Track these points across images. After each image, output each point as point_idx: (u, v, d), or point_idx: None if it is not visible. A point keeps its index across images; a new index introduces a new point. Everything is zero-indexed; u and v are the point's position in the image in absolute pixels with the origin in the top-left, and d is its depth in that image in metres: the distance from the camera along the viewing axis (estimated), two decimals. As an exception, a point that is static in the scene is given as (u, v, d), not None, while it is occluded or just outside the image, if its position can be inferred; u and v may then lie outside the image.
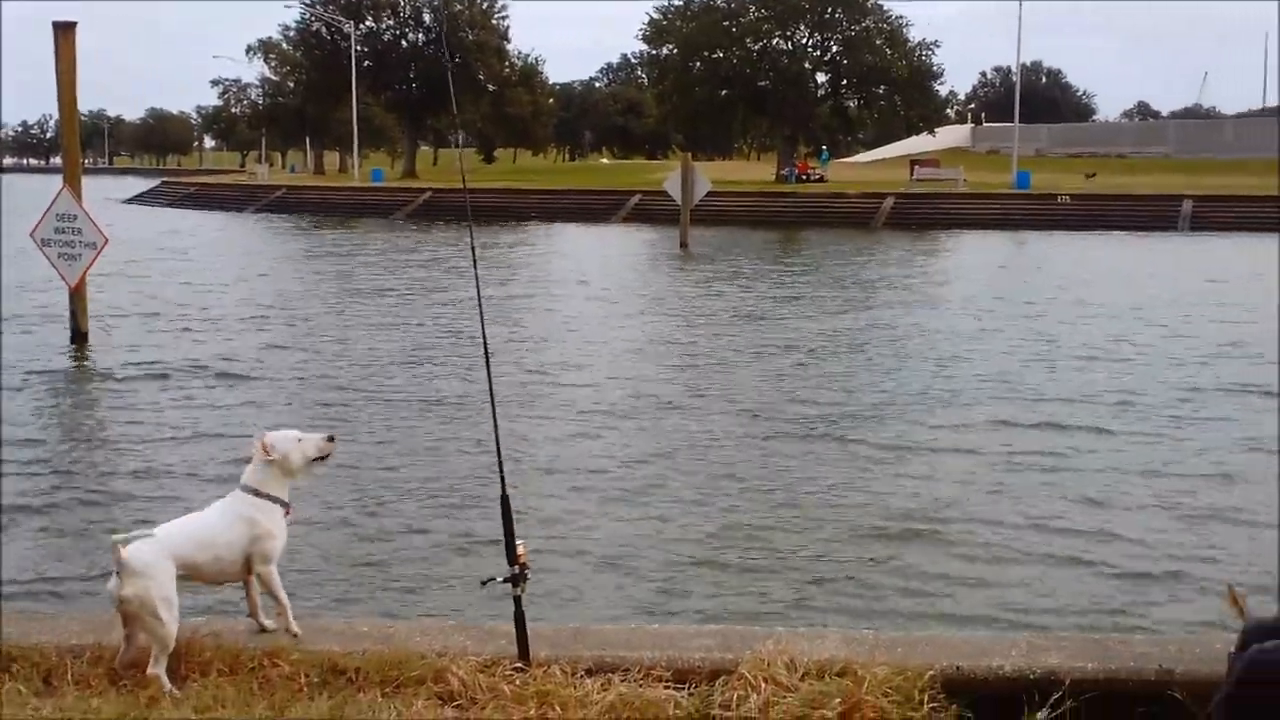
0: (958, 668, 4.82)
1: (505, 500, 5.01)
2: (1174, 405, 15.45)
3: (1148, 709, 4.66)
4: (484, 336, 5.42)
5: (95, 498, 11.04)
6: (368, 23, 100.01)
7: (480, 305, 5.48)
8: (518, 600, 4.87)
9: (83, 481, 11.60)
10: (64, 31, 19.65)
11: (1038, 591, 8.74)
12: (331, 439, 5.27)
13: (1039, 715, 4.49)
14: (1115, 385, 16.81)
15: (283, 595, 5.13)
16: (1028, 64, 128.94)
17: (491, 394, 5.16)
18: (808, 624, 7.47)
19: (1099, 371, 18.01)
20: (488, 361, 5.29)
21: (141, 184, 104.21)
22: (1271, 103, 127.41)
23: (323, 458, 5.24)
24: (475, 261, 5.50)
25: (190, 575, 4.99)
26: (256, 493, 5.12)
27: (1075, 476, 11.84)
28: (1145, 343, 20.78)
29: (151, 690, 4.56)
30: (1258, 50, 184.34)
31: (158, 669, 4.65)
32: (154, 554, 4.77)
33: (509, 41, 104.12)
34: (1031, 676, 4.77)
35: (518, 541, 4.94)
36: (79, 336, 19.72)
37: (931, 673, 4.68)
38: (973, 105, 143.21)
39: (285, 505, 5.17)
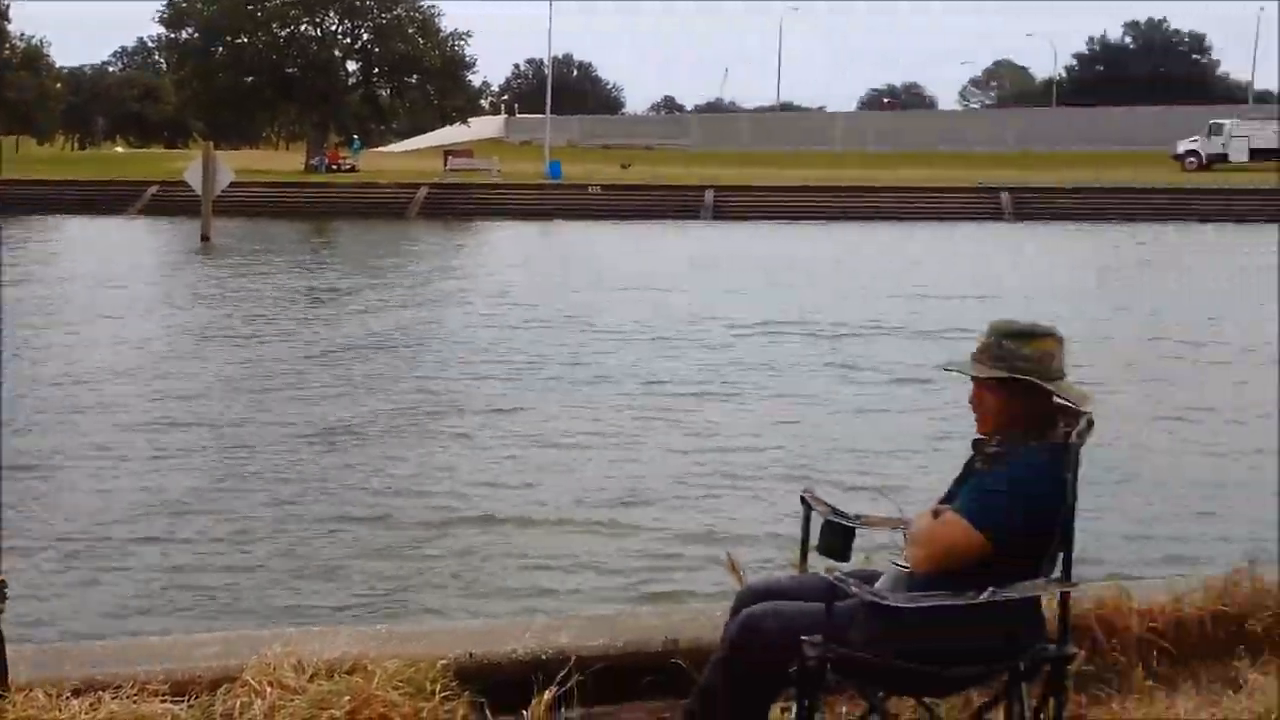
0: (471, 654, 4.80)
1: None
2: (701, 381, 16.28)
3: (654, 678, 4.77)
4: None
5: None
6: None
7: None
8: (-7, 621, 4.45)
9: None
10: None
11: (560, 578, 8.91)
12: None
13: (547, 694, 4.51)
14: (646, 366, 17.57)
15: None
16: (559, 57, 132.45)
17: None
18: (320, 624, 7.29)
19: (630, 354, 18.78)
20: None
21: None
22: (784, 99, 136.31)
23: None
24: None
25: None
26: None
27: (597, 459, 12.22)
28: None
29: None
30: (774, 50, 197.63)
31: None
32: None
33: (9, 21, 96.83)
34: (544, 657, 4.81)
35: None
36: None
37: (444, 662, 4.62)
38: (506, 96, 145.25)
39: None
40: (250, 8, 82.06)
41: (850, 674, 3.75)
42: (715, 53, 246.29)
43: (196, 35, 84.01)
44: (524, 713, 4.51)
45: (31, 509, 10.44)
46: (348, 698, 4.36)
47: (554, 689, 4.55)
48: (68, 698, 4.34)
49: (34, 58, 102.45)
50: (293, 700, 4.35)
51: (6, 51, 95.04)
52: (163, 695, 4.43)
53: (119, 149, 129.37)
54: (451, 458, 12.47)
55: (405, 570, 8.96)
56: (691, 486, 11.38)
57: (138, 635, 6.72)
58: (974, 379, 3.93)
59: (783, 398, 15.63)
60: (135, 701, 4.37)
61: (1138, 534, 10.11)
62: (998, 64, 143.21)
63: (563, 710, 4.59)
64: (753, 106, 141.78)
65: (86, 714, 4.25)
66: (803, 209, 54.92)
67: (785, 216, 53.28)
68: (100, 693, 4.39)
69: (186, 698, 4.46)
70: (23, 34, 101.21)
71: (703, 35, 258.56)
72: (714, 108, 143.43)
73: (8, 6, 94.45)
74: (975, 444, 4.00)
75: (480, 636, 5.03)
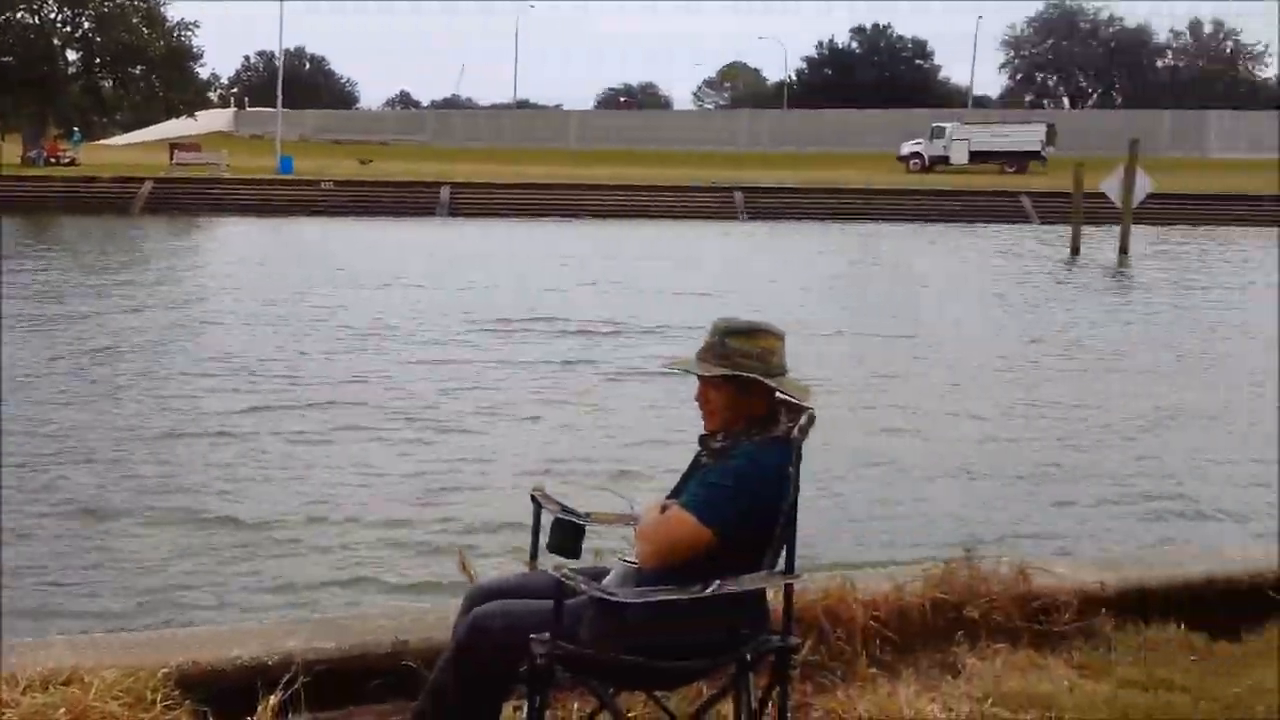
0: (194, 662, 4.70)
1: None
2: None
3: (384, 680, 4.74)
4: None
5: None
6: None
7: None
8: None
9: None
10: None
11: (282, 579, 8.76)
12: None
13: (272, 700, 4.44)
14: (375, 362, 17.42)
15: None
16: (291, 50, 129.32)
17: None
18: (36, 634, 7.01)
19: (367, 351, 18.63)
20: None
21: None
22: (521, 96, 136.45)
23: None
24: None
25: None
26: None
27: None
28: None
29: None
30: (510, 49, 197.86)
31: None
32: None
33: None
34: (270, 663, 4.72)
35: None
36: None
37: (165, 670, 4.52)
38: (235, 89, 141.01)
39: None
40: (-39, -7, 77.64)
41: (580, 671, 3.79)
42: (452, 49, 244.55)
43: (-98, 17, 79.03)
44: (249, 719, 4.43)
45: None
46: (63, 710, 4.22)
47: (279, 694, 4.48)
48: None
49: None
50: (4, 714, 4.20)
51: None
52: None
53: None
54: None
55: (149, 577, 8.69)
56: (427, 481, 11.37)
57: None
58: (699, 377, 4.01)
59: (517, 393, 15.73)
60: None
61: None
62: (731, 65, 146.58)
63: (289, 716, 4.52)
64: (490, 103, 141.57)
65: None
66: (540, 207, 55.18)
67: (522, 214, 53.45)
68: None
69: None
70: None
71: (439, 31, 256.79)
72: (451, 104, 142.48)
73: None
74: (701, 439, 4.08)
75: (204, 642, 4.91)
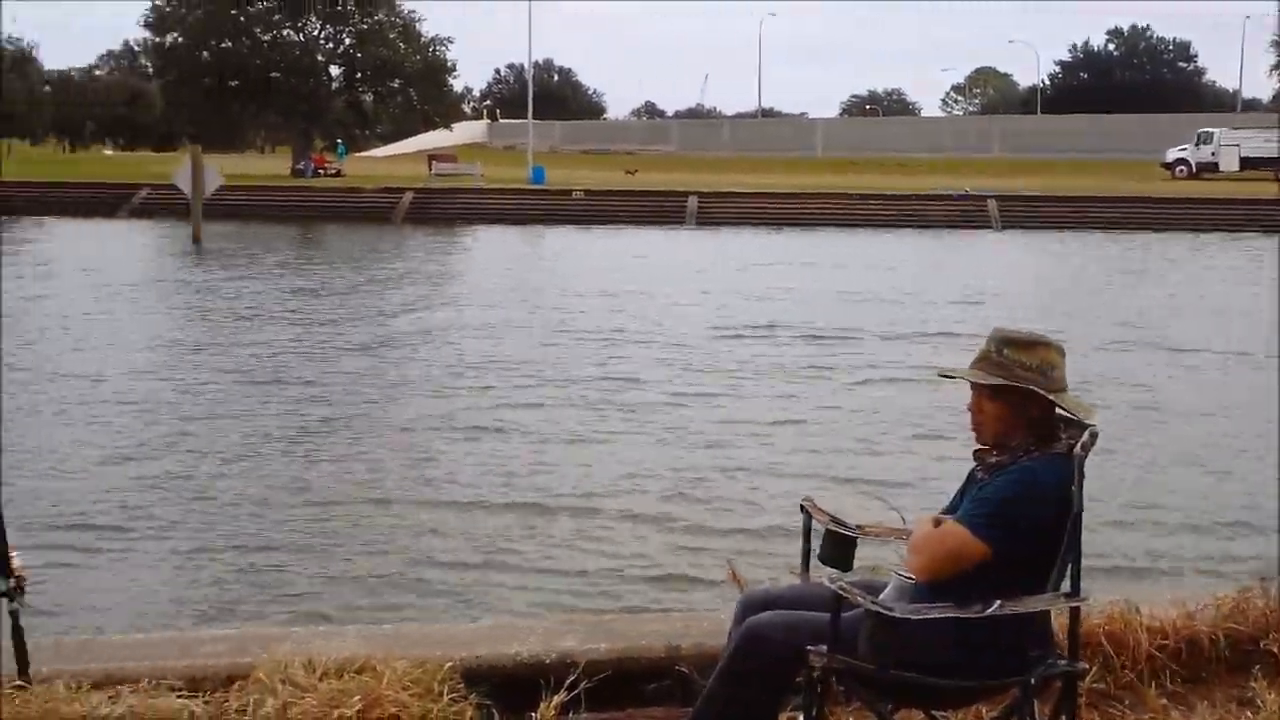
0: (477, 657, 4.88)
1: (-4, 510, 4.67)
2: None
3: (659, 684, 4.84)
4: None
5: None
6: None
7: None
8: (15, 615, 4.54)
9: None
10: None
11: (566, 579, 9.02)
12: None
13: (555, 699, 4.55)
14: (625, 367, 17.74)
15: None
16: (540, 62, 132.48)
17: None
18: (327, 622, 7.40)
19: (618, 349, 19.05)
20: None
21: None
22: (766, 105, 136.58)
23: None
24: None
25: None
26: None
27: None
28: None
29: None
30: (754, 58, 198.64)
31: None
32: None
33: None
34: (548, 661, 4.87)
35: (13, 553, 4.61)
36: None
37: (451, 664, 4.70)
38: (488, 101, 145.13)
39: None
40: (234, 13, 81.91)
41: (857, 685, 3.78)
42: (696, 59, 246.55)
43: (181, 40, 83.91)
44: (531, 715, 4.57)
45: (46, 502, 10.54)
46: (358, 697, 4.44)
47: (563, 694, 4.60)
48: (87, 690, 4.44)
49: (22, 61, 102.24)
50: (304, 698, 4.43)
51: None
52: (178, 690, 4.53)
53: (108, 152, 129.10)
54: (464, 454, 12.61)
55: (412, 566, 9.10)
56: (695, 488, 11.51)
57: (151, 630, 6.84)
58: (973, 386, 3.95)
59: (781, 399, 15.78)
60: (152, 696, 4.47)
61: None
62: (980, 71, 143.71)
63: (570, 715, 4.63)
64: (734, 112, 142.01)
65: (106, 707, 4.35)
66: (787, 215, 54.94)
67: (769, 222, 53.30)
68: (119, 686, 4.50)
69: (201, 693, 4.56)
70: (9, 37, 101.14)
71: (684, 41, 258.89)
72: (695, 114, 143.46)
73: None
74: (976, 454, 4.03)
75: (485, 638, 5.11)
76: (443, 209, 57.76)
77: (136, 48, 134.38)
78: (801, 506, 4.31)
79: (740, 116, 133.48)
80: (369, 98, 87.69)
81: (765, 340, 20.66)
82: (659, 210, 56.59)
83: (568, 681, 4.63)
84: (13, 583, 4.55)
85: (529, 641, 5.03)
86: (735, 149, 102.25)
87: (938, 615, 3.66)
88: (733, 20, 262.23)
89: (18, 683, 4.47)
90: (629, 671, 4.89)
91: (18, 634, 4.54)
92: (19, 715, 4.27)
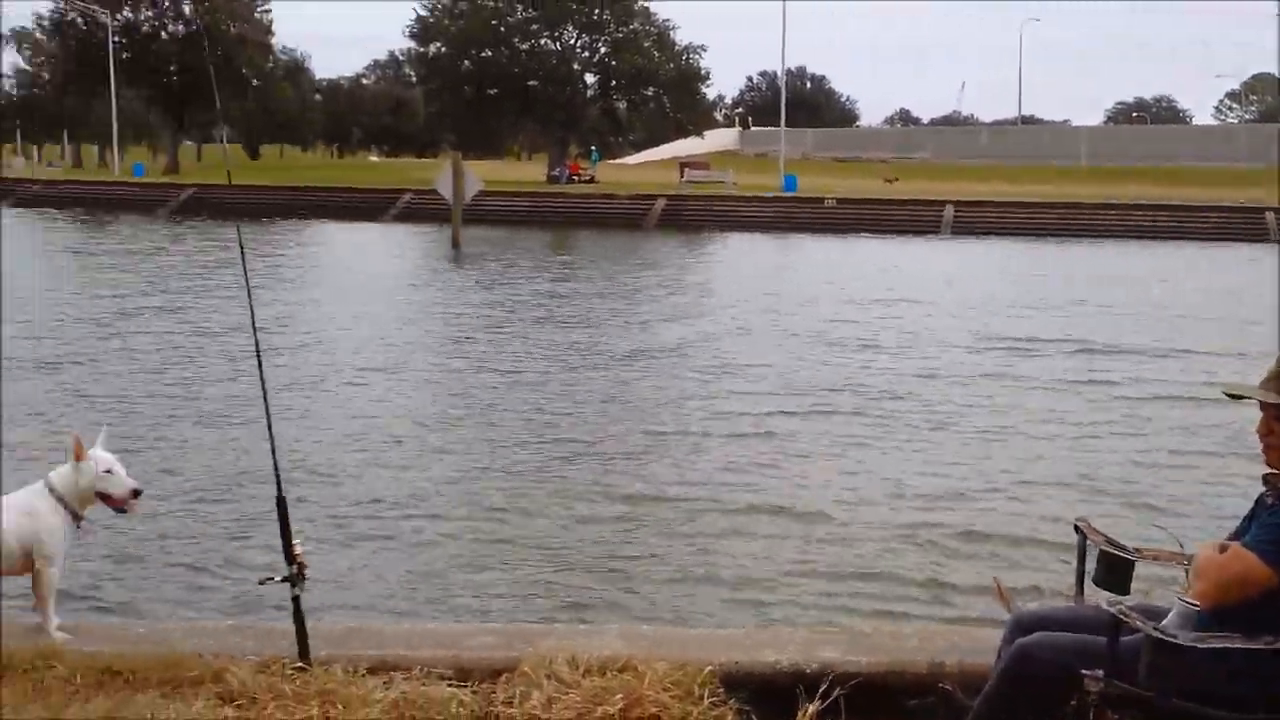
0: (736, 662, 4.89)
1: (281, 500, 4.91)
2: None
3: (920, 700, 4.77)
4: (255, 338, 5.30)
5: None
6: (125, 13, 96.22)
7: (250, 305, 5.35)
8: (296, 600, 4.79)
9: None
10: None
11: (822, 587, 9.00)
12: (138, 494, 5.13)
13: (811, 708, 4.52)
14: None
15: (50, 601, 5.02)
16: (793, 69, 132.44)
17: (265, 395, 5.06)
18: (587, 621, 7.53)
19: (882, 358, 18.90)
20: (260, 361, 5.17)
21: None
22: (1025, 112, 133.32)
23: (112, 498, 5.08)
24: (244, 261, 5.37)
25: None
26: (53, 492, 5.03)
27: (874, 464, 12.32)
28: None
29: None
30: (1013, 63, 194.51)
31: None
32: None
33: (273, 35, 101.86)
34: (808, 671, 4.84)
35: (295, 541, 4.85)
36: None
37: (711, 668, 4.72)
38: (740, 109, 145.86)
39: (78, 516, 5.06)
40: (494, 23, 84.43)
41: (1133, 713, 3.65)
42: (953, 65, 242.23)
43: (444, 49, 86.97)
44: (788, 723, 4.56)
45: (322, 495, 11.06)
46: (620, 695, 4.50)
47: (818, 703, 4.56)
48: (363, 675, 4.64)
49: (295, 71, 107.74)
50: (568, 694, 4.52)
51: (270, 65, 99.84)
52: (448, 679, 4.68)
53: (373, 158, 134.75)
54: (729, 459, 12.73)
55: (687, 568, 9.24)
56: (957, 501, 11.36)
57: (419, 620, 7.13)
58: (1263, 406, 3.81)
59: (1048, 413, 15.37)
60: (423, 683, 4.63)
61: None
62: (1257, 77, 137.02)
63: (827, 725, 4.62)
64: (991, 120, 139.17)
65: (380, 692, 4.53)
66: (1050, 226, 53.47)
67: (1030, 233, 51.95)
68: (392, 672, 4.69)
69: (469, 683, 4.70)
70: (284, 48, 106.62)
71: (940, 48, 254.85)
72: (950, 121, 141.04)
73: (271, 22, 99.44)
74: (1266, 478, 3.86)
75: (744, 644, 5.12)
76: (694, 215, 58.27)
77: (401, 57, 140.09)
78: (1076, 527, 4.22)
79: (999, 123, 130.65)
80: (623, 105, 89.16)
81: (1027, 353, 20.10)
82: (913, 219, 55.90)
83: (821, 690, 4.59)
84: (294, 569, 4.81)
85: (788, 650, 5.01)
86: (993, 157, 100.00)
87: (1225, 645, 3.53)
88: (992, 26, 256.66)
89: (299, 664, 4.71)
90: (890, 686, 4.83)
91: (299, 618, 4.79)
92: (300, 694, 4.49)
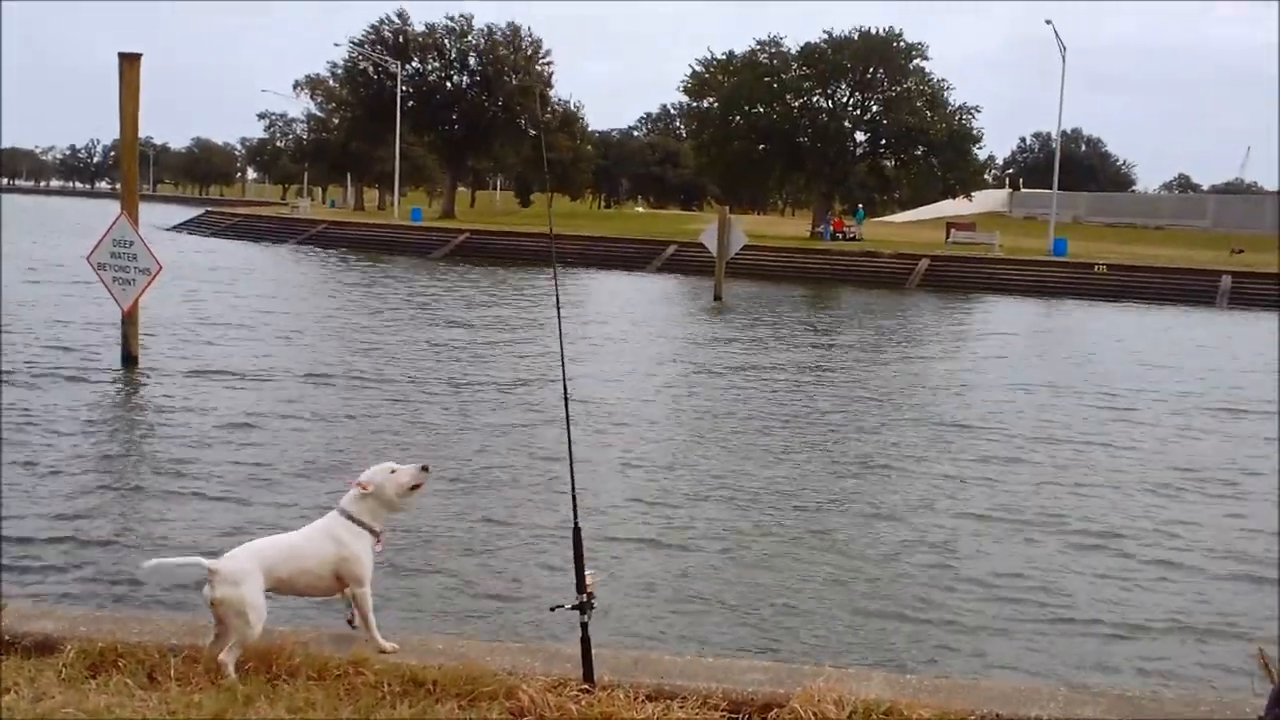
0: (998, 715, 5.00)
1: (577, 530, 5.27)
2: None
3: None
4: (564, 372, 5.73)
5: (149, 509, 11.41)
6: (414, 63, 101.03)
7: (561, 340, 5.77)
8: (584, 627, 5.13)
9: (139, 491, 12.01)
10: (129, 62, 20.19)
11: (1074, 645, 8.97)
12: (425, 469, 5.61)
13: None
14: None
15: (370, 618, 5.49)
16: (1068, 131, 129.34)
17: (569, 427, 5.46)
18: (853, 664, 7.72)
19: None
20: (566, 395, 5.60)
21: (183, 212, 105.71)
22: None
23: (417, 486, 5.57)
24: (559, 302, 5.82)
25: (280, 588, 5.34)
26: (350, 517, 5.52)
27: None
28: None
29: (249, 688, 4.86)
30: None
31: (228, 657, 5.06)
32: (244, 564, 5.15)
33: (551, 87, 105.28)
34: (1067, 729, 4.93)
35: (587, 571, 5.20)
36: (129, 360, 20.11)
37: (973, 717, 4.89)
38: (1010, 170, 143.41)
39: (376, 533, 5.54)
40: (768, 79, 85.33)
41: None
42: (1238, 130, 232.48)
43: (716, 104, 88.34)
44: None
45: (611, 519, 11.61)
46: (883, 737, 4.73)
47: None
48: (642, 701, 4.95)
49: (570, 121, 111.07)
50: (833, 737, 4.76)
51: (548, 115, 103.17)
52: (721, 710, 4.96)
53: (639, 209, 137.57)
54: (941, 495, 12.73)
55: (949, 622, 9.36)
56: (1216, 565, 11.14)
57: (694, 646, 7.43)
58: None
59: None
60: (698, 713, 4.92)
61: None
62: None
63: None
64: (1277, 188, 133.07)
65: (658, 718, 4.84)
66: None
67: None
68: (669, 701, 4.97)
69: (739, 715, 4.98)
70: (560, 99, 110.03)
71: (1224, 112, 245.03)
72: (1233, 188, 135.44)
73: (551, 75, 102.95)
74: None
75: (1007, 697, 5.22)
76: (958, 276, 57.59)
77: (673, 111, 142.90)
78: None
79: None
80: (891, 164, 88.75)
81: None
82: (1186, 288, 53.94)
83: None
84: (584, 598, 5.17)
85: (1049, 707, 5.10)
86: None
87: None
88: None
89: (584, 686, 5.06)
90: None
91: (585, 643, 5.14)
92: (585, 715, 4.83)
